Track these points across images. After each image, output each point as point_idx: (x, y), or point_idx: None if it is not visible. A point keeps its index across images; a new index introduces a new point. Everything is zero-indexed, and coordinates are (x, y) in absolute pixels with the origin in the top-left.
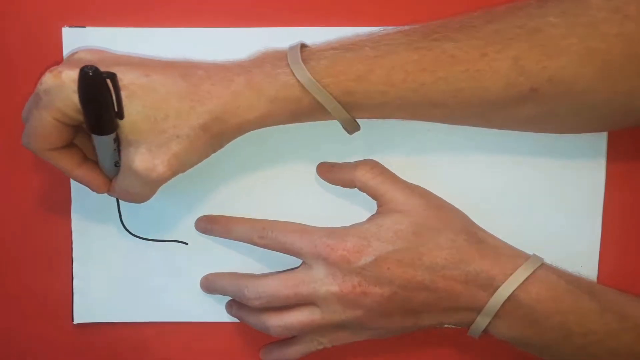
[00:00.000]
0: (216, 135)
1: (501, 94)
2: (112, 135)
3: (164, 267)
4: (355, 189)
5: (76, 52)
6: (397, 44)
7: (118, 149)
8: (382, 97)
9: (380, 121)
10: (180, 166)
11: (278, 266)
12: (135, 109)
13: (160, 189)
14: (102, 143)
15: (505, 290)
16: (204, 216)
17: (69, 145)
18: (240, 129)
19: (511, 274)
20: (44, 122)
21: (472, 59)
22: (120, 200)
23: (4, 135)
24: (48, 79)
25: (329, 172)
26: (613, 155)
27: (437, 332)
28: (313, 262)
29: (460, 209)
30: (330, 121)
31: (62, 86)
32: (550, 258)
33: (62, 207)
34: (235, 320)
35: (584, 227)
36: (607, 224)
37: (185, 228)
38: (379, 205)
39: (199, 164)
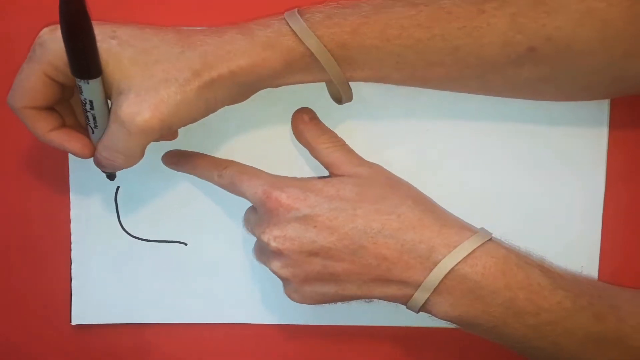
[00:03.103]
0: (208, 84)
1: (499, 52)
2: (97, 82)
3: (162, 268)
4: None
5: None
6: (395, 0)
7: (107, 106)
8: (376, 53)
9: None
10: (169, 115)
11: None
12: (126, 55)
13: (159, 189)
14: (89, 93)
15: (446, 264)
16: (172, 150)
17: (50, 109)
18: (233, 78)
19: (455, 246)
20: (32, 75)
21: (469, 15)
22: (118, 201)
23: (3, 137)
24: (44, 33)
25: (303, 124)
26: (613, 155)
27: (437, 332)
28: (257, 206)
29: (459, 209)
30: (331, 122)
31: (56, 39)
32: (550, 258)
33: (60, 208)
34: (234, 321)
35: (584, 227)
36: (607, 224)
37: (184, 228)
38: (331, 173)
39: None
